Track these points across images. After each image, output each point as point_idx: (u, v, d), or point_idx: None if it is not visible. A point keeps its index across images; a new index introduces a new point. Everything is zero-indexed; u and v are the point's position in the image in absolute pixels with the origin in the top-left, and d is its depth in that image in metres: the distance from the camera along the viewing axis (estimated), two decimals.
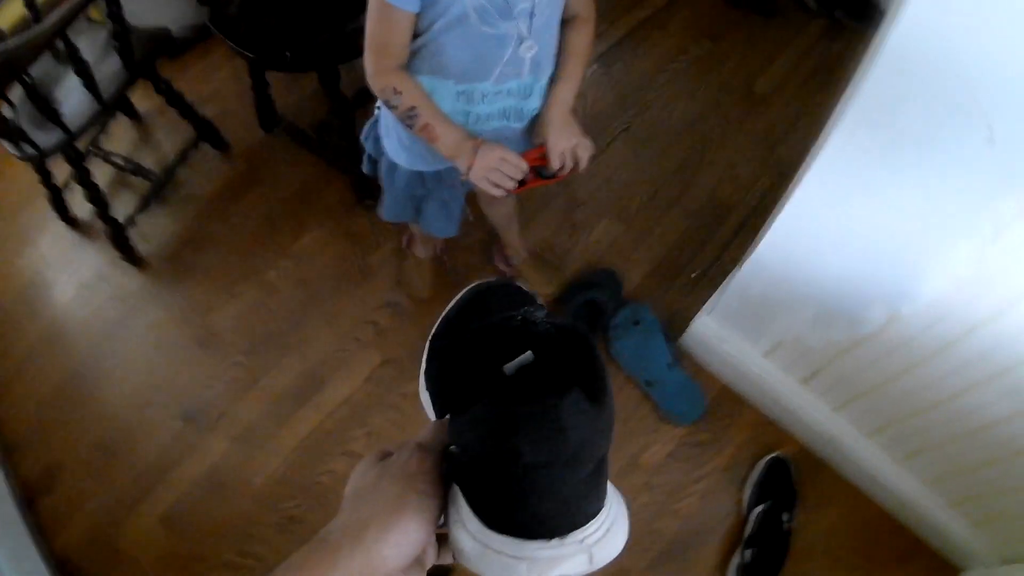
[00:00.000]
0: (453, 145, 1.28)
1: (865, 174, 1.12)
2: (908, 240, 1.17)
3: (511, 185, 1.31)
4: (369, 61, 1.24)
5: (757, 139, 2.38)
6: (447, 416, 0.59)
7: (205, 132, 2.48)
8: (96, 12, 2.13)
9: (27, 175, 2.26)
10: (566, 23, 1.30)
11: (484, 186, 1.31)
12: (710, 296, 1.92)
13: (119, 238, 2.31)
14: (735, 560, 1.74)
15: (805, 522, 1.79)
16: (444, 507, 0.54)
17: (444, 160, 1.36)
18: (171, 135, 2.60)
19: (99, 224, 2.31)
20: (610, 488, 0.54)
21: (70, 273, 2.41)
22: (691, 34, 2.66)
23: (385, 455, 0.58)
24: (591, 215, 2.27)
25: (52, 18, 1.80)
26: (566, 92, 1.36)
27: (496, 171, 1.29)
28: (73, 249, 2.47)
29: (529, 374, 0.54)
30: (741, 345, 1.78)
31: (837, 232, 1.28)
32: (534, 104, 1.38)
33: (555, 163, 1.37)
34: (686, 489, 1.84)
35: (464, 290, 0.80)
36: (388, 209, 1.67)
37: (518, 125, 1.40)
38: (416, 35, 1.23)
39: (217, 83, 2.76)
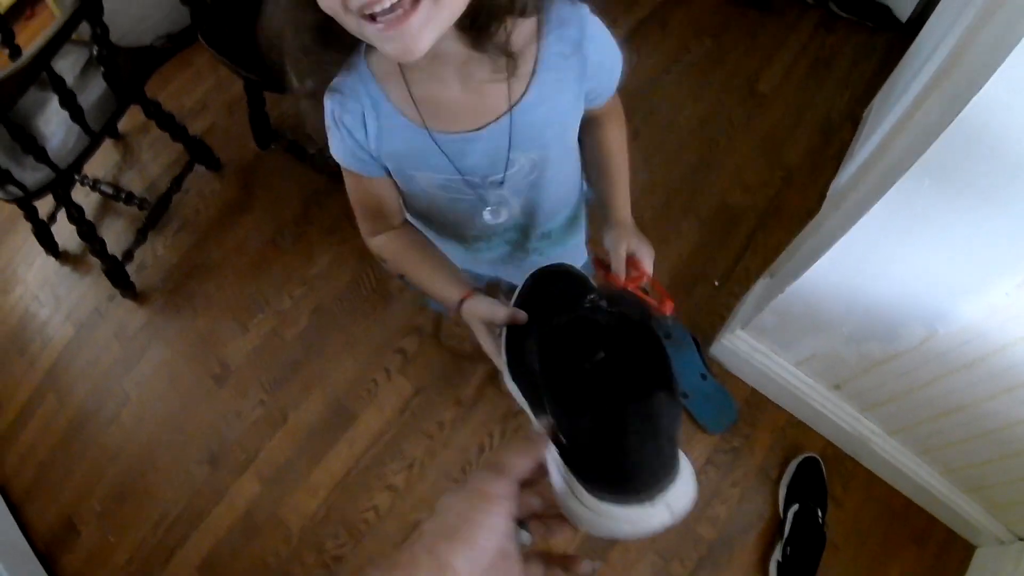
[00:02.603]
0: (446, 304, 1.14)
1: (923, 217, 1.28)
2: (953, 272, 1.35)
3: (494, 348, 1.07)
4: (359, 223, 1.21)
5: (762, 140, 2.54)
6: (534, 437, 0.70)
7: (197, 152, 2.56)
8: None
9: (4, 205, 2.32)
10: (593, 123, 1.24)
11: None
12: (731, 303, 2.13)
13: (115, 273, 2.40)
14: (774, 558, 1.93)
15: (831, 510, 1.96)
16: (515, 514, 0.63)
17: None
18: (157, 155, 2.71)
19: (91, 256, 2.37)
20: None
21: (66, 311, 2.50)
22: (691, 32, 2.82)
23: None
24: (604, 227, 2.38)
25: (33, 49, 1.84)
26: (622, 202, 1.32)
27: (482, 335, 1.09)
28: (65, 284, 2.56)
29: (606, 367, 0.70)
30: (773, 356, 1.97)
31: (887, 261, 1.44)
32: (535, 243, 1.38)
33: (618, 267, 1.27)
34: (723, 494, 2.01)
35: (525, 279, 0.94)
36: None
37: (525, 257, 1.40)
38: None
39: (202, 95, 2.84)
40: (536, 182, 1.17)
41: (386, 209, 1.17)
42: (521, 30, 0.93)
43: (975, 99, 1.03)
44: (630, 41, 2.82)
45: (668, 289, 2.23)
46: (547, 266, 0.94)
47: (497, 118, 1.02)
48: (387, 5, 0.75)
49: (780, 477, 2.03)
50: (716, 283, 2.30)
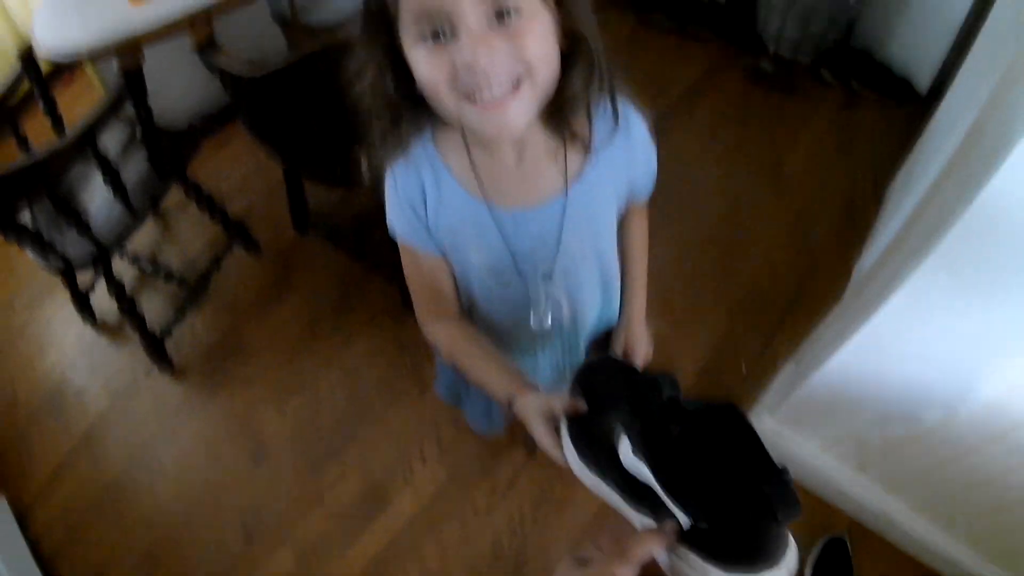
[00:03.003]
0: (499, 398, 1.10)
1: (940, 306, 1.34)
2: (971, 355, 1.41)
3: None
4: (415, 307, 1.23)
5: (790, 224, 2.63)
6: (651, 532, 0.76)
7: (236, 234, 2.66)
8: None
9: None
10: (621, 219, 1.29)
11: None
12: (760, 389, 2.16)
13: (154, 348, 2.49)
14: None
15: None
16: None
17: None
18: (197, 233, 2.83)
19: (128, 328, 2.46)
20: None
21: (102, 381, 2.59)
22: (718, 118, 2.94)
23: (582, 561, 0.75)
24: None
25: (79, 128, 1.92)
26: (639, 302, 1.39)
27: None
28: (102, 354, 2.66)
29: (716, 452, 0.74)
30: (799, 440, 2.01)
31: (907, 347, 1.50)
32: (577, 357, 1.43)
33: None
34: None
35: (574, 373, 0.93)
36: (438, 384, 1.79)
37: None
38: None
39: (241, 177, 2.97)
40: (583, 279, 1.23)
41: (442, 293, 1.20)
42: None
43: (985, 190, 1.10)
44: (659, 129, 2.87)
45: (701, 375, 2.31)
46: (591, 358, 0.97)
47: (552, 198, 1.08)
48: (496, 92, 0.85)
49: (806, 558, 2.04)
50: (744, 369, 2.36)
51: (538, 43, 0.86)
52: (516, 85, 0.86)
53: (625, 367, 0.91)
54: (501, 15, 0.82)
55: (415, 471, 2.27)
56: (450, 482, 2.24)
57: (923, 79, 2.82)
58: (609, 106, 1.03)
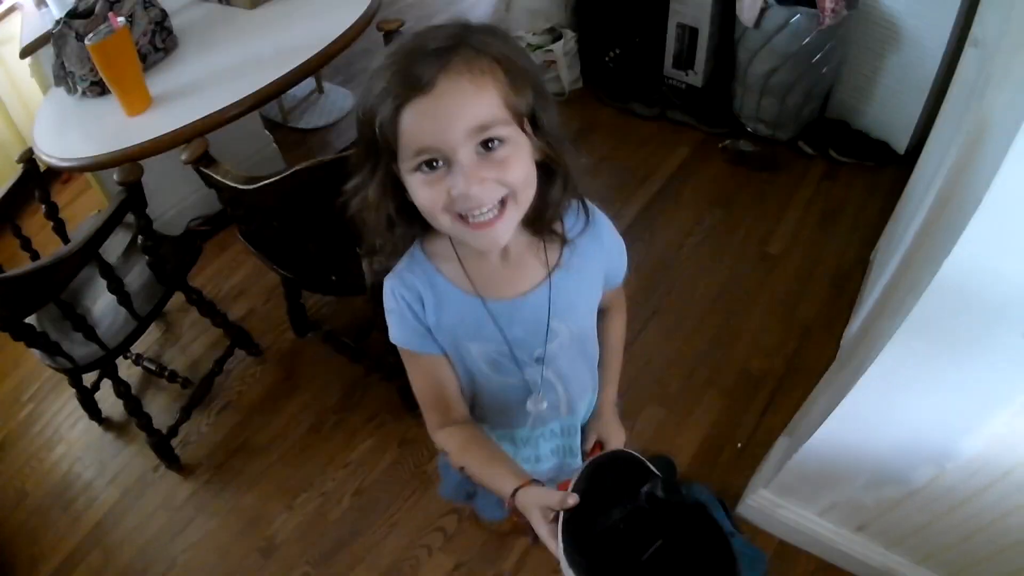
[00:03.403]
0: (503, 494, 1.17)
1: (918, 371, 1.41)
2: (953, 414, 1.46)
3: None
4: (424, 416, 1.29)
5: (777, 303, 2.72)
6: None
7: (237, 338, 2.74)
8: None
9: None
10: (599, 312, 1.37)
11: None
12: (756, 464, 2.22)
13: (161, 447, 2.56)
14: None
15: None
16: None
17: None
18: (198, 335, 2.92)
19: (134, 426, 2.52)
20: None
21: (110, 475, 2.65)
22: (703, 202, 3.05)
23: None
24: (634, 403, 2.50)
25: (82, 239, 2.01)
26: (611, 391, 1.52)
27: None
28: (109, 450, 2.73)
29: (665, 555, 0.76)
30: (796, 509, 2.06)
31: (889, 415, 1.56)
32: (578, 441, 1.51)
33: (584, 449, 1.53)
34: None
35: (579, 471, 0.97)
36: (443, 489, 1.83)
37: (574, 461, 1.52)
38: None
39: (241, 279, 3.07)
40: (573, 361, 1.32)
41: (448, 397, 1.26)
42: None
43: (947, 262, 1.18)
44: (645, 215, 3.03)
45: (697, 455, 2.36)
46: (603, 453, 1.01)
47: (536, 285, 1.19)
48: (486, 212, 0.97)
49: None
50: (739, 446, 2.40)
51: (520, 168, 0.97)
52: (502, 206, 0.98)
53: (631, 463, 0.97)
54: (487, 144, 0.93)
55: (421, 562, 2.29)
56: (456, 571, 2.26)
57: (901, 139, 2.91)
58: (578, 204, 1.18)
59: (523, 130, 0.97)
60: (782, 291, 2.77)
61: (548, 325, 1.22)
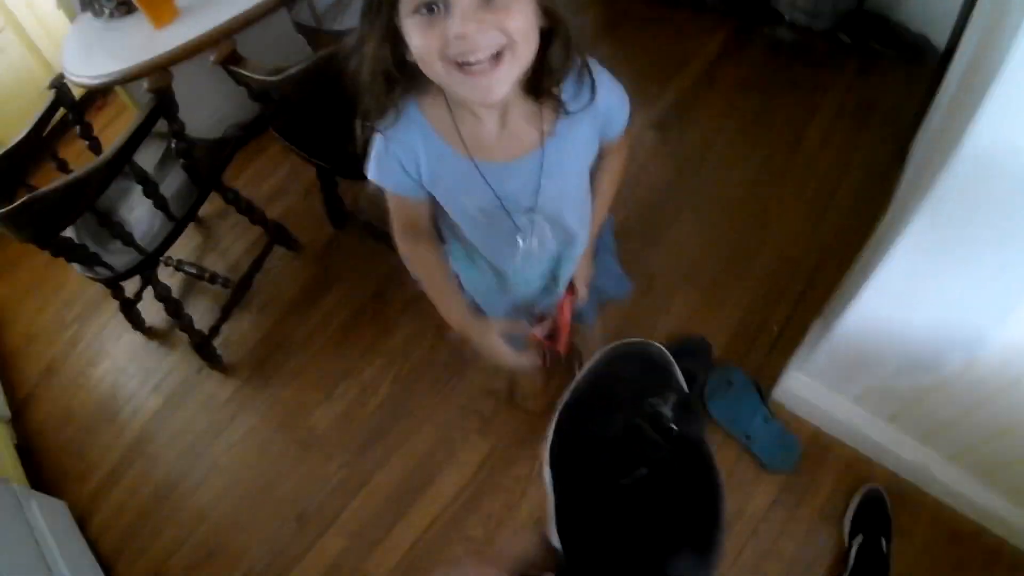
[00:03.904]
0: (456, 323, 1.45)
1: (946, 245, 1.39)
2: (984, 299, 1.44)
3: (519, 358, 1.48)
4: (393, 226, 1.39)
5: (813, 191, 2.67)
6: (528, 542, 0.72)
7: (276, 235, 2.77)
8: None
9: (92, 283, 2.51)
10: (600, 155, 1.39)
11: (499, 360, 1.49)
12: (792, 349, 2.20)
13: (203, 347, 2.60)
14: None
15: (899, 543, 1.99)
16: None
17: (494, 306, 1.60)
18: (238, 237, 2.96)
19: (177, 332, 2.59)
20: None
21: (154, 383, 2.72)
22: (739, 89, 2.99)
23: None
24: (667, 285, 2.52)
25: (115, 146, 2.03)
26: (590, 232, 1.53)
27: (499, 348, 1.45)
28: (152, 358, 2.79)
29: (645, 487, 0.68)
30: (830, 395, 2.06)
31: (921, 296, 1.54)
32: (569, 270, 1.55)
33: (583, 293, 1.62)
34: (789, 531, 2.06)
35: (600, 353, 0.88)
36: None
37: (560, 289, 1.58)
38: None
39: (278, 180, 3.10)
40: (561, 207, 1.36)
41: (419, 223, 1.38)
42: None
43: (972, 128, 1.15)
44: (681, 103, 2.99)
45: (733, 339, 2.37)
46: (634, 342, 0.90)
47: (529, 152, 1.23)
48: (481, 58, 0.98)
49: (845, 511, 2.09)
50: (776, 329, 2.40)
51: (520, 20, 0.98)
52: (499, 56, 0.99)
53: (652, 362, 0.88)
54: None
55: (457, 447, 2.35)
56: (492, 455, 2.32)
57: (941, 35, 2.81)
58: (582, 73, 1.17)
59: None
60: (818, 180, 2.72)
61: (539, 186, 1.28)
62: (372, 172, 1.27)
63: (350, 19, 3.67)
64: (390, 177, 1.27)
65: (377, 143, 1.24)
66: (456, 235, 1.44)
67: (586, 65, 1.16)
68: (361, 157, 1.26)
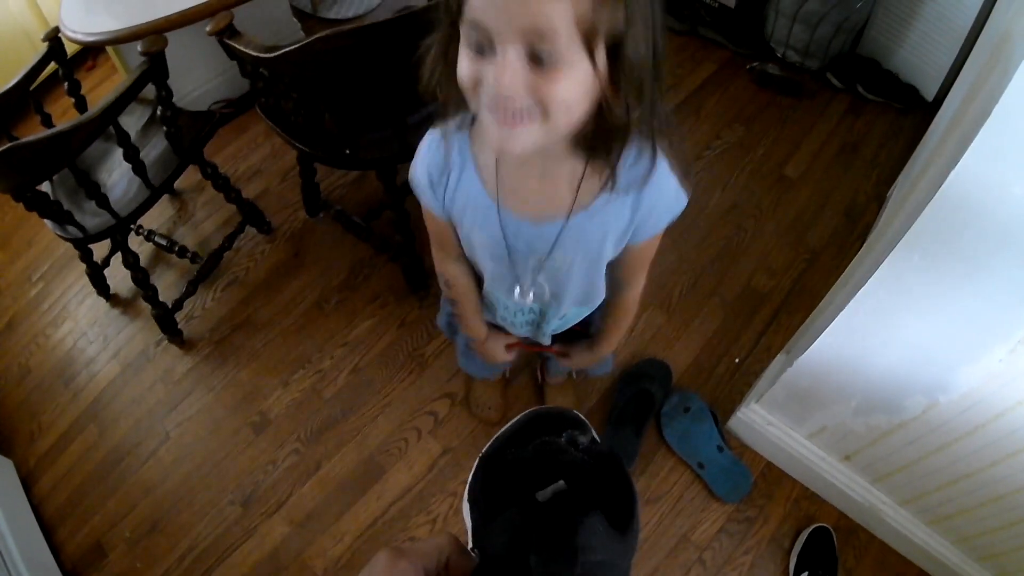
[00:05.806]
0: (476, 341, 1.65)
1: (916, 290, 1.36)
2: (948, 342, 1.42)
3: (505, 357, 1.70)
4: (432, 249, 1.41)
5: (788, 225, 2.67)
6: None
7: (249, 215, 2.72)
8: None
9: (62, 243, 2.48)
10: (619, 279, 1.38)
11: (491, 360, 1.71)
12: (751, 381, 2.20)
13: (165, 319, 2.55)
14: None
15: None
16: None
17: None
18: (211, 213, 2.89)
19: (140, 301, 2.54)
20: None
21: (113, 350, 2.66)
22: (724, 118, 2.98)
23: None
24: None
25: (101, 105, 1.98)
26: (602, 349, 1.62)
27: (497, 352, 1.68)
28: (114, 325, 2.73)
29: (562, 501, 0.64)
30: (786, 429, 2.05)
31: (885, 335, 1.52)
32: (550, 327, 1.54)
33: (571, 365, 1.74)
34: (735, 561, 2.05)
35: (520, 415, 0.84)
36: (440, 316, 1.88)
37: (542, 339, 1.59)
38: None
39: (257, 161, 3.03)
40: (566, 279, 1.30)
41: (447, 242, 1.34)
42: None
43: (953, 173, 1.13)
44: None
45: (694, 365, 2.36)
46: (550, 408, 0.85)
47: (556, 218, 1.14)
48: (509, 112, 0.87)
49: (792, 547, 2.08)
50: (737, 360, 2.38)
51: (564, 91, 0.86)
52: (529, 116, 0.88)
53: (568, 419, 0.84)
54: (537, 58, 0.82)
55: (410, 444, 2.33)
56: (442, 457, 2.30)
57: (930, 86, 2.84)
58: (646, 153, 1.04)
59: (591, 56, 0.84)
60: (794, 214, 2.72)
61: (551, 253, 1.22)
62: (413, 170, 1.22)
63: (345, 8, 3.63)
64: (421, 184, 1.22)
65: (423, 144, 1.19)
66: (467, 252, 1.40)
67: (654, 144, 1.02)
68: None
